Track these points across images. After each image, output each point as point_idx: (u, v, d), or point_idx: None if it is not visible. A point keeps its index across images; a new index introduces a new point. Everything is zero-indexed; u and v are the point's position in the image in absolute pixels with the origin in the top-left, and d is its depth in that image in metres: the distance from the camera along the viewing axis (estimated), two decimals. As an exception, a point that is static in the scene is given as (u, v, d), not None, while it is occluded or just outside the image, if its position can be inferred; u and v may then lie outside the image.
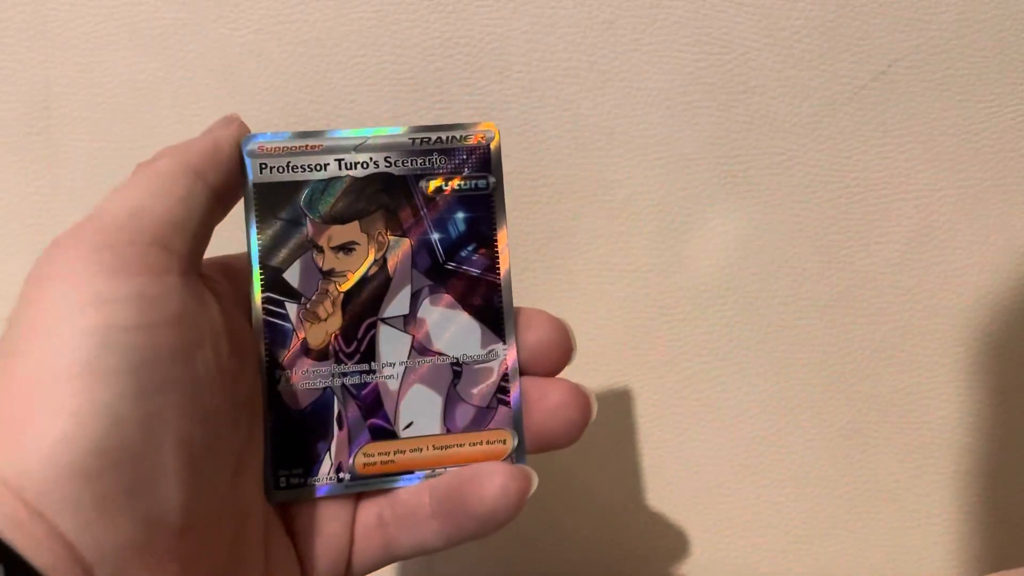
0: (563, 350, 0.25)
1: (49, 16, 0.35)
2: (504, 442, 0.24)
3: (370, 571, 0.24)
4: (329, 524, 0.23)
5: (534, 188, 0.36)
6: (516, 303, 0.25)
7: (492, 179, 0.24)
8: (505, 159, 0.36)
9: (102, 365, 0.18)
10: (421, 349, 0.24)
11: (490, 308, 0.24)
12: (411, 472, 0.24)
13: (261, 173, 0.23)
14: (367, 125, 0.35)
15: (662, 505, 0.38)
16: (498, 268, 0.24)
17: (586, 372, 0.37)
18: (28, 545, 0.17)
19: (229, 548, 0.21)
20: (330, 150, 0.24)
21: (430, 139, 0.24)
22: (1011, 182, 0.37)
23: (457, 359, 0.24)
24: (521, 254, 0.36)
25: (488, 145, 0.24)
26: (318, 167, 0.24)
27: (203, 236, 0.22)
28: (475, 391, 0.24)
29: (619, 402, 0.37)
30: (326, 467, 0.23)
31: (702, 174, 0.36)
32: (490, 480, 0.22)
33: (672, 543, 0.38)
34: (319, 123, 0.35)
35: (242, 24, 0.35)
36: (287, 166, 0.23)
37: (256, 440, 0.23)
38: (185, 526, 0.19)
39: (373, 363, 0.24)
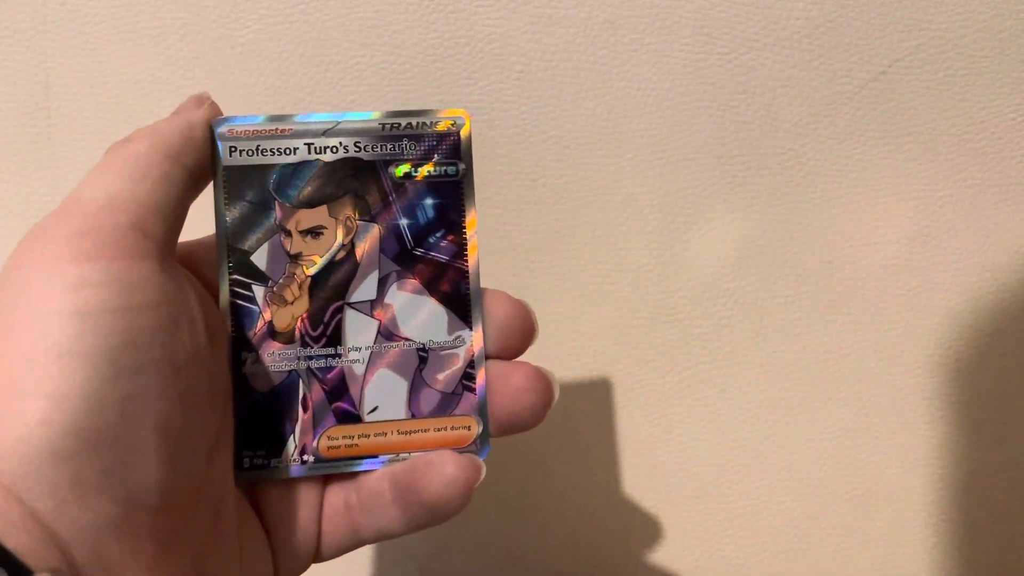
0: (525, 332, 0.24)
1: (49, 16, 0.35)
2: (469, 428, 0.24)
3: (338, 554, 0.24)
4: (298, 508, 0.24)
5: (534, 187, 0.36)
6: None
7: (462, 166, 0.24)
8: (505, 159, 0.36)
9: (80, 348, 0.18)
10: (388, 334, 0.24)
11: (457, 294, 0.24)
12: (375, 456, 0.24)
13: (231, 156, 0.23)
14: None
15: (661, 504, 0.38)
16: (466, 255, 0.24)
17: (586, 372, 0.37)
18: (2, 526, 0.17)
19: (206, 528, 0.21)
20: (299, 134, 0.24)
21: (400, 124, 0.24)
22: (1011, 182, 0.37)
23: (423, 345, 0.24)
24: (521, 254, 0.36)
25: (458, 132, 0.24)
26: (287, 151, 0.23)
27: (179, 219, 0.22)
28: (441, 377, 0.24)
29: (619, 402, 0.37)
30: (290, 449, 0.23)
31: (702, 174, 0.36)
32: (440, 469, 0.23)
33: (672, 543, 0.38)
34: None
35: (242, 24, 0.35)
36: (256, 149, 0.23)
37: (230, 423, 0.23)
38: (163, 506, 0.19)
39: (339, 347, 0.24)
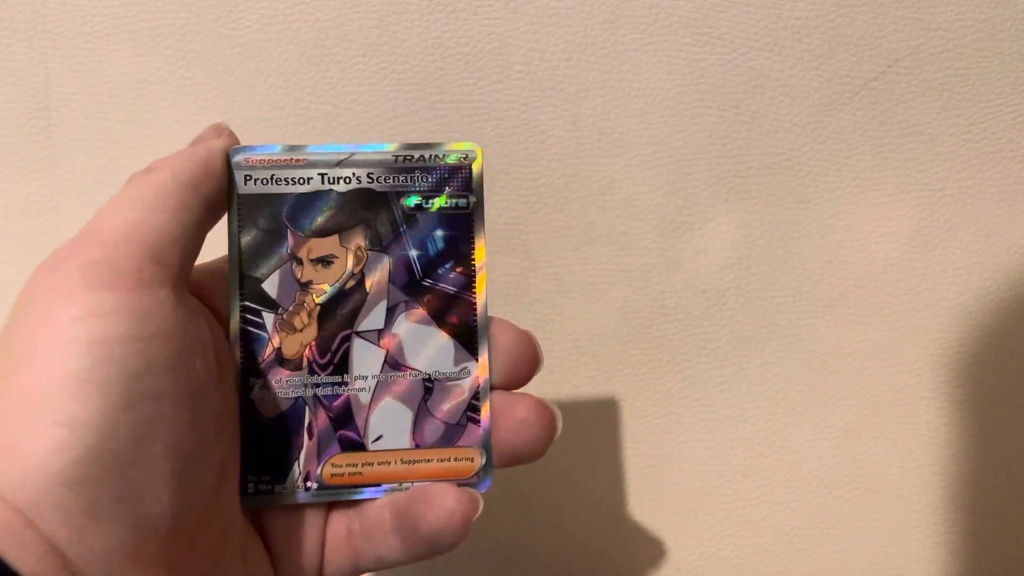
0: (530, 363, 0.25)
1: (49, 16, 0.35)
2: (472, 460, 0.24)
3: None
4: (301, 534, 0.24)
5: (534, 188, 0.36)
6: (515, 304, 0.25)
7: (473, 198, 0.25)
8: (505, 159, 0.36)
9: (95, 376, 0.18)
10: (394, 364, 0.24)
11: (464, 326, 0.24)
12: (378, 485, 0.24)
13: (246, 184, 0.24)
14: (366, 125, 0.35)
15: (662, 505, 0.38)
16: (474, 286, 0.24)
17: (586, 372, 0.37)
18: (17, 551, 0.17)
19: (213, 553, 0.21)
20: (314, 164, 0.24)
21: (412, 157, 0.24)
22: (1011, 182, 0.37)
23: (429, 375, 0.24)
24: (521, 254, 0.36)
25: (470, 165, 0.25)
26: (301, 180, 0.24)
27: (195, 248, 0.22)
28: (445, 407, 0.24)
29: (618, 402, 0.37)
30: (294, 475, 0.24)
31: (702, 174, 0.36)
32: (439, 502, 0.23)
33: (672, 543, 0.38)
34: (318, 123, 0.35)
35: (242, 24, 0.35)
36: (271, 178, 0.24)
37: (238, 449, 0.23)
38: (173, 531, 0.20)
39: (346, 375, 0.24)
